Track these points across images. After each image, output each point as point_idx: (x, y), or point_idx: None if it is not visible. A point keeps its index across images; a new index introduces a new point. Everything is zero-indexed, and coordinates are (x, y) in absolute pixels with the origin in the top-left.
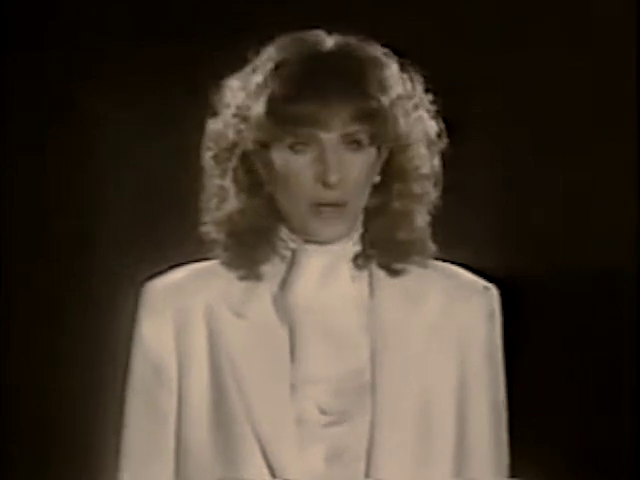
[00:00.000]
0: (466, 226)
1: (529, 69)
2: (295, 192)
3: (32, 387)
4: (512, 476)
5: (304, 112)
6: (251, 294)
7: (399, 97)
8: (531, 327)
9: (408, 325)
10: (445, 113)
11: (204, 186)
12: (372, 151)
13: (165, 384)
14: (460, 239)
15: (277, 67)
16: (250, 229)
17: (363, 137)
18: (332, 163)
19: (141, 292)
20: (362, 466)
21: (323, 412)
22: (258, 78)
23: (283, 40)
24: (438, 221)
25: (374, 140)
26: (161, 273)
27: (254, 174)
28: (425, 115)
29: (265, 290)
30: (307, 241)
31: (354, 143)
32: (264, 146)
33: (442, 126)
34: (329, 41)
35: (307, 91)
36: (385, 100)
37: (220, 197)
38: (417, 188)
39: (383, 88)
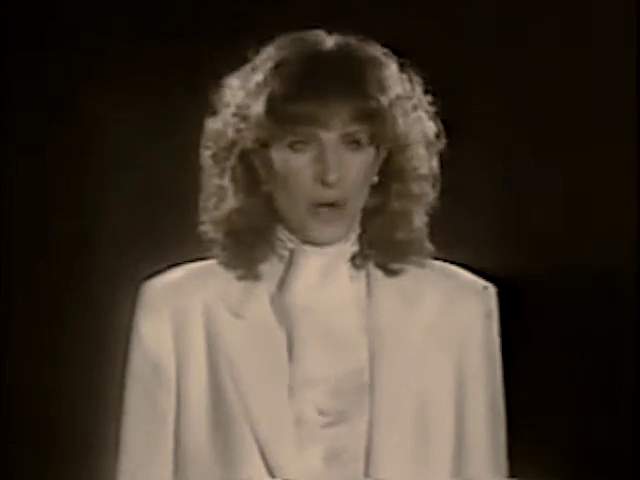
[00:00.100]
0: (466, 226)
1: (529, 69)
2: (294, 191)
3: (32, 387)
4: (512, 476)
5: (304, 111)
6: (249, 294)
7: (398, 97)
8: (531, 327)
9: (406, 325)
10: (445, 113)
11: (202, 185)
12: (371, 151)
13: (164, 384)
14: (460, 239)
15: (277, 66)
16: (248, 228)
17: (362, 137)
18: (331, 162)
19: (139, 292)
20: (361, 466)
21: (321, 413)
22: (258, 77)
23: (283, 40)
24: (438, 221)
25: (373, 140)
26: (159, 273)
27: (253, 173)
28: (424, 116)
29: (263, 290)
30: (305, 241)
31: (353, 143)
32: (263, 145)
33: (440, 127)
34: (329, 41)
35: (307, 90)
36: (384, 100)
37: (218, 196)
38: (415, 188)
39: (382, 88)
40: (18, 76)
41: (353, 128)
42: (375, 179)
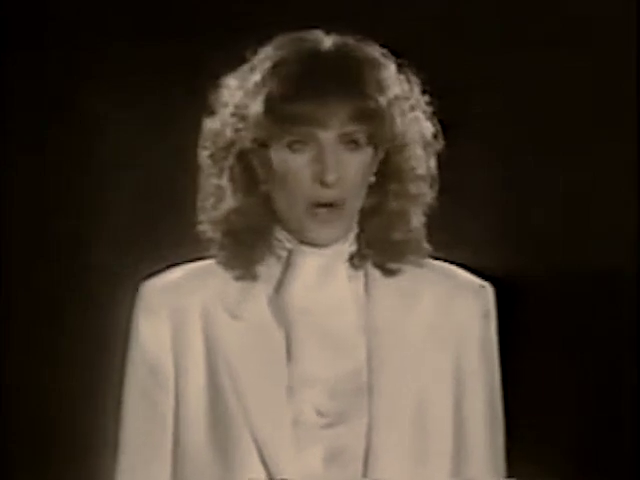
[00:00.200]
0: (466, 226)
1: (529, 69)
2: (293, 191)
3: (32, 387)
4: (512, 476)
5: (302, 111)
6: (247, 294)
7: (396, 97)
8: (531, 327)
9: (404, 325)
10: (445, 113)
11: (200, 185)
12: (369, 151)
13: (162, 384)
14: (460, 239)
15: (275, 66)
16: (246, 228)
17: (361, 137)
18: (330, 162)
19: (138, 292)
20: (360, 467)
21: (320, 414)
22: (256, 77)
23: (281, 39)
24: (438, 221)
25: (371, 140)
26: (158, 273)
27: (251, 173)
28: (421, 116)
29: (261, 291)
30: (303, 242)
31: (352, 143)
32: (262, 145)
33: (438, 127)
34: (327, 41)
35: (305, 90)
36: (382, 100)
37: (217, 196)
38: (413, 188)
39: (381, 88)
40: (18, 76)
41: (351, 128)
42: (373, 179)
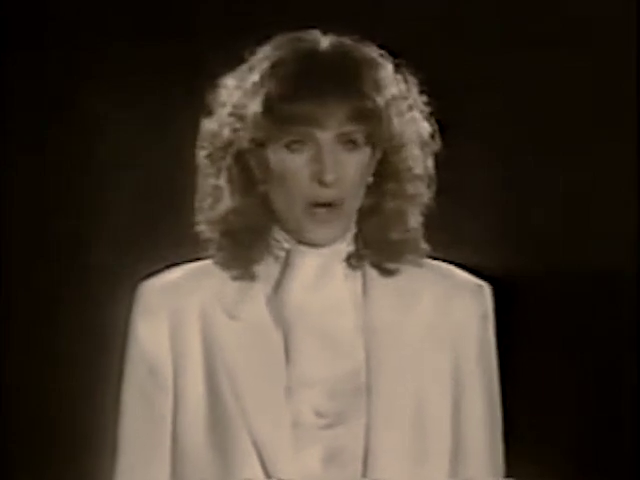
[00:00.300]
0: (466, 226)
1: (529, 69)
2: (291, 191)
3: (32, 387)
4: (512, 476)
5: (300, 111)
6: (245, 295)
7: (393, 98)
8: (531, 327)
9: (402, 325)
10: (445, 113)
11: (198, 185)
12: (367, 151)
13: (161, 385)
14: (460, 239)
15: (273, 66)
16: (245, 229)
17: (359, 137)
18: (328, 162)
19: (136, 293)
20: (359, 467)
21: (319, 414)
22: (254, 77)
23: (279, 39)
24: (438, 221)
25: (369, 140)
26: (156, 273)
27: (249, 174)
28: (419, 116)
29: (259, 291)
30: (301, 242)
31: (350, 143)
32: (260, 145)
33: (435, 127)
34: (325, 41)
35: (304, 90)
36: (380, 100)
37: (214, 197)
38: (410, 189)
39: (378, 88)
40: (18, 76)
41: (349, 128)
42: (370, 179)
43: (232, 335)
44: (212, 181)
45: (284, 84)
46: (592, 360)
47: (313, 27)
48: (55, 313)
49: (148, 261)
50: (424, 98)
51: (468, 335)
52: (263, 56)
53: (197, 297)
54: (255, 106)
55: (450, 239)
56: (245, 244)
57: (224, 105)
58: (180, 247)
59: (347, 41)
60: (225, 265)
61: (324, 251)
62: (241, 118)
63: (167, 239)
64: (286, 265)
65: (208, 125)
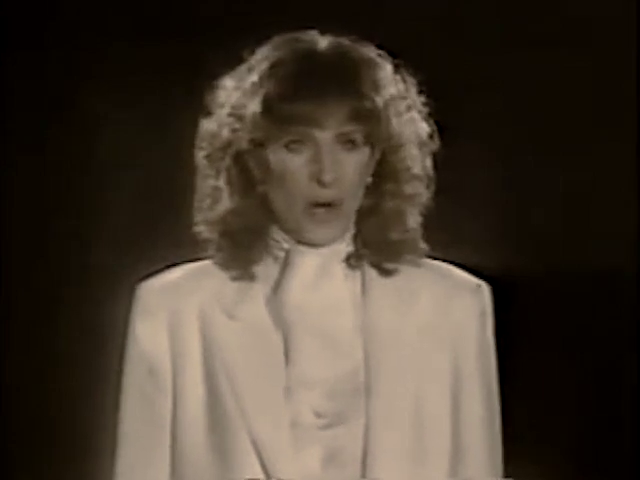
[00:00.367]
0: (466, 226)
1: (529, 69)
2: (290, 191)
3: (32, 387)
4: (512, 476)
5: (300, 111)
6: (244, 295)
7: (392, 98)
8: (531, 327)
9: (401, 325)
10: (445, 113)
11: (197, 186)
12: (366, 151)
13: (160, 385)
14: (460, 239)
15: (272, 66)
16: (243, 229)
17: (358, 137)
18: (327, 162)
19: (135, 293)
20: (358, 467)
21: (318, 415)
22: (253, 77)
23: (277, 40)
24: (438, 221)
25: (368, 140)
26: (155, 273)
27: (247, 174)
28: (417, 116)
29: (258, 291)
30: (301, 242)
31: (349, 143)
32: (259, 145)
33: (434, 127)
34: (323, 41)
35: (303, 90)
36: (379, 100)
37: (213, 197)
38: (409, 189)
39: (377, 88)
40: (18, 76)
41: (348, 128)
42: (369, 179)
43: (231, 335)
44: (211, 182)
45: (283, 84)
46: (592, 360)
47: (313, 27)
48: (55, 313)
49: (147, 261)
50: (423, 98)
51: (467, 335)
52: (262, 57)
53: (196, 297)
54: (254, 106)
55: (450, 239)
56: (244, 244)
57: (223, 106)
58: (180, 247)
59: (345, 41)
60: (224, 265)
61: (323, 251)
62: (240, 118)
63: (167, 239)
64: (285, 265)
65: (207, 126)
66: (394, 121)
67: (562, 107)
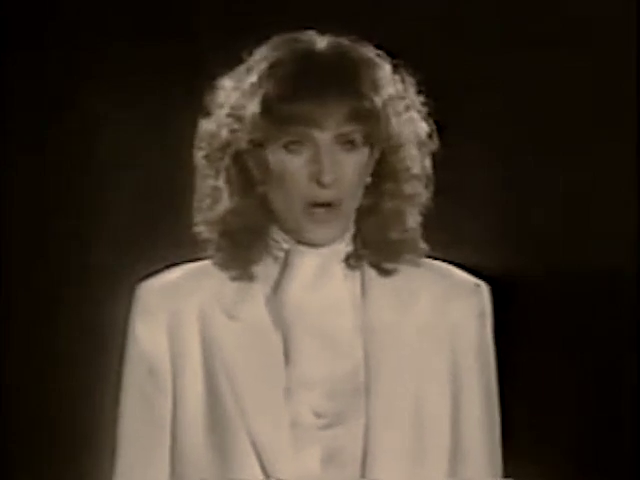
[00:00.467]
0: (466, 226)
1: (529, 69)
2: (290, 191)
3: (32, 387)
4: (512, 476)
5: (299, 111)
6: (244, 295)
7: (391, 98)
8: (531, 327)
9: (401, 325)
10: (445, 113)
11: (196, 186)
12: (365, 151)
13: (160, 386)
14: (460, 239)
15: (271, 67)
16: (243, 229)
17: (357, 137)
18: (327, 163)
19: (135, 293)
20: (358, 467)
21: (318, 415)
22: (252, 78)
23: (276, 40)
24: (438, 221)
25: (367, 140)
26: (155, 273)
27: (247, 174)
28: (416, 116)
29: (258, 291)
30: (300, 242)
31: (348, 143)
32: (258, 146)
33: (433, 127)
34: (322, 42)
35: (302, 91)
36: (378, 100)
37: (213, 197)
38: (408, 189)
39: (376, 88)
40: (18, 76)
41: (347, 128)
42: (369, 179)
43: (231, 335)
44: (211, 182)
45: (282, 85)
46: (592, 360)
47: (312, 27)
48: (55, 313)
49: (147, 261)
50: (422, 98)
51: (466, 334)
52: (260, 57)
53: (196, 297)
54: (253, 107)
55: (450, 239)
56: (244, 245)
57: (222, 106)
58: (179, 247)
59: (344, 41)
60: (224, 265)
61: (323, 251)
62: (239, 119)
63: (166, 239)
64: (285, 265)
65: (206, 126)
66: (393, 121)
67: (562, 107)
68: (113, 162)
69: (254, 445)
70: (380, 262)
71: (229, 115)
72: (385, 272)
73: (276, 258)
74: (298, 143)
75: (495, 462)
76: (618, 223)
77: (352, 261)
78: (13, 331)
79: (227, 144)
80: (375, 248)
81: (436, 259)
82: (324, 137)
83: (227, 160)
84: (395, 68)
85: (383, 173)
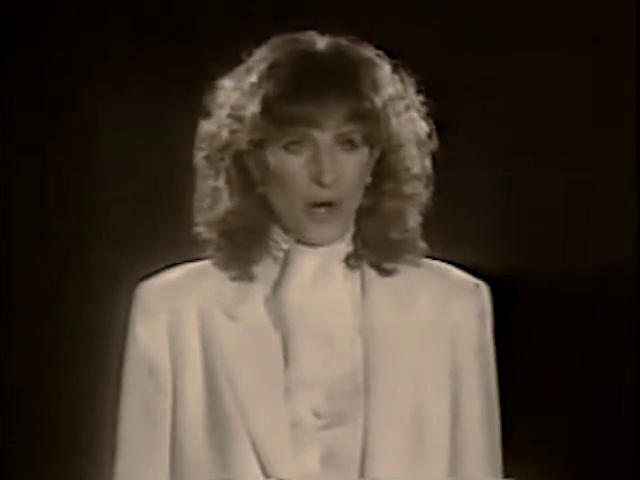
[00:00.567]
0: (466, 226)
1: (529, 69)
2: (290, 192)
3: (32, 387)
4: (512, 476)
5: (299, 112)
6: (244, 295)
7: (391, 98)
8: (531, 327)
9: (400, 325)
10: (445, 113)
11: (196, 186)
12: (365, 151)
13: (160, 386)
14: (460, 239)
15: (271, 67)
16: (243, 229)
17: (357, 137)
18: (327, 163)
19: (135, 293)
20: (357, 468)
21: (317, 415)
22: (252, 78)
23: (276, 41)
24: (438, 221)
25: (367, 140)
26: (155, 273)
27: (247, 175)
28: (416, 116)
29: (257, 291)
30: (300, 242)
31: (348, 143)
32: (258, 146)
33: (433, 127)
34: (321, 42)
35: (302, 91)
36: (378, 100)
37: (213, 198)
38: (408, 188)
39: (376, 88)
40: (18, 76)
41: (347, 128)
42: (368, 180)
43: (231, 336)
44: (211, 182)
45: (282, 85)
46: (592, 360)
47: (312, 27)
48: (55, 313)
49: (147, 261)
50: (421, 98)
51: (466, 334)
52: (260, 57)
53: (196, 298)
54: (253, 107)
55: (450, 239)
56: (244, 245)
57: (222, 106)
58: (179, 247)
59: (344, 41)
60: (224, 266)
61: (323, 251)
62: (239, 119)
63: (167, 239)
64: (285, 265)
65: (206, 127)
66: (393, 121)
67: (562, 107)
68: (113, 162)
69: (254, 445)
70: (380, 262)
71: (229, 115)
72: (385, 272)
73: (276, 258)
74: (298, 143)
75: (495, 462)
76: (618, 223)
77: (352, 261)
78: (13, 331)
79: (227, 144)
80: (375, 248)
81: (436, 259)
82: (324, 137)
83: (227, 160)
84: (395, 68)
85: (383, 173)
